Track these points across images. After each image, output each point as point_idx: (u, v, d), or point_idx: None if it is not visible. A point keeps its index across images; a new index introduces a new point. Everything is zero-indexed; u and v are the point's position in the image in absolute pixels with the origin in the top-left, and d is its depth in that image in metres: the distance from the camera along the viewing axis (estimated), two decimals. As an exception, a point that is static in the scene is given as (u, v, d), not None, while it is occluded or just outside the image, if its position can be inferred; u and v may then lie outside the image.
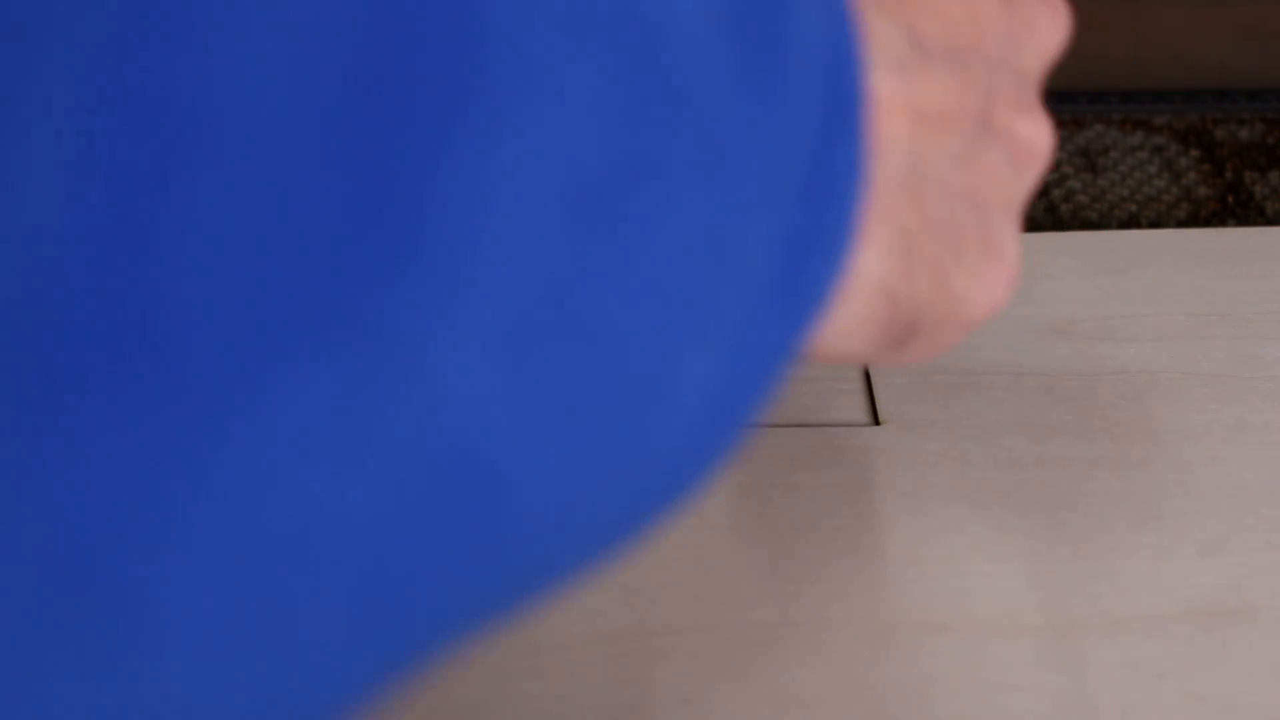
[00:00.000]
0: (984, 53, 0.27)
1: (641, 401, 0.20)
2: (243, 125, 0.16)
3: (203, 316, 0.16)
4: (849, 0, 0.23)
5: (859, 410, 0.42)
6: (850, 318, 0.26)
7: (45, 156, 0.15)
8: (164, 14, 0.16)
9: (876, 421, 0.42)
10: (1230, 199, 0.55)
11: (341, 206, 0.16)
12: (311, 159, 0.16)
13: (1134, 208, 0.54)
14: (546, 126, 0.18)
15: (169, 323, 0.16)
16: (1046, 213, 0.54)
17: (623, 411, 0.20)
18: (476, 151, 0.17)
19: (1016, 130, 0.28)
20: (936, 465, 0.40)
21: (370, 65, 0.17)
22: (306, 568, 0.17)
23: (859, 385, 0.43)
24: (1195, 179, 0.56)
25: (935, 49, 0.26)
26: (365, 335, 0.17)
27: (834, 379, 0.43)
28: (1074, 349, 0.44)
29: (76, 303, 0.15)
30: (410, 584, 0.18)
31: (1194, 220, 0.53)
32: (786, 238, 0.22)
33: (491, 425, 0.18)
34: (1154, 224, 0.53)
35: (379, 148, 0.17)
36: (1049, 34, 0.29)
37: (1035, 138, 0.29)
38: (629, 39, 0.19)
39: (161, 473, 0.16)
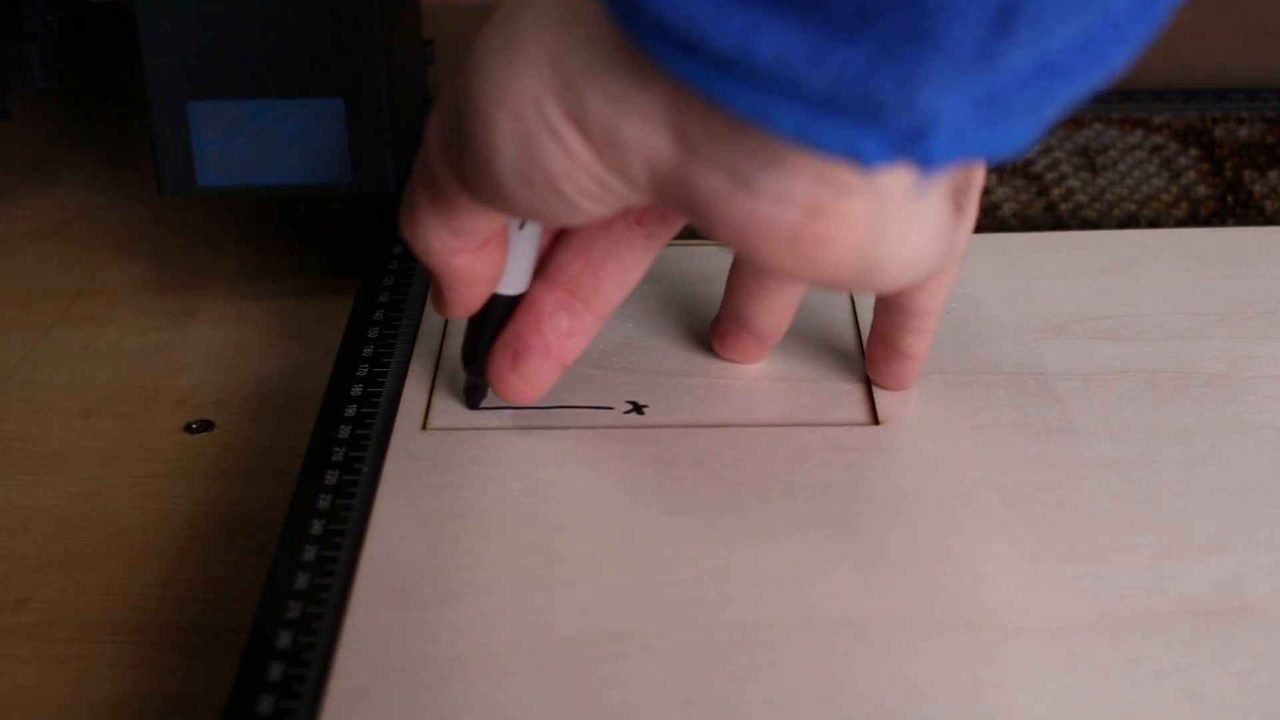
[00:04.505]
0: None
1: None
2: None
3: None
4: None
5: (859, 410, 0.42)
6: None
7: None
8: None
9: (876, 421, 0.42)
10: (1229, 198, 0.55)
11: None
12: None
13: (1133, 207, 0.54)
14: None
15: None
16: (1045, 212, 0.54)
17: None
18: None
19: None
20: (936, 465, 0.40)
21: None
22: None
23: (859, 385, 0.43)
24: (1194, 178, 0.56)
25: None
26: None
27: (834, 379, 0.43)
28: (1074, 349, 0.44)
29: None
30: None
31: (1193, 219, 0.53)
32: None
33: None
34: (1153, 223, 0.53)
35: None
36: None
37: None
38: None
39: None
